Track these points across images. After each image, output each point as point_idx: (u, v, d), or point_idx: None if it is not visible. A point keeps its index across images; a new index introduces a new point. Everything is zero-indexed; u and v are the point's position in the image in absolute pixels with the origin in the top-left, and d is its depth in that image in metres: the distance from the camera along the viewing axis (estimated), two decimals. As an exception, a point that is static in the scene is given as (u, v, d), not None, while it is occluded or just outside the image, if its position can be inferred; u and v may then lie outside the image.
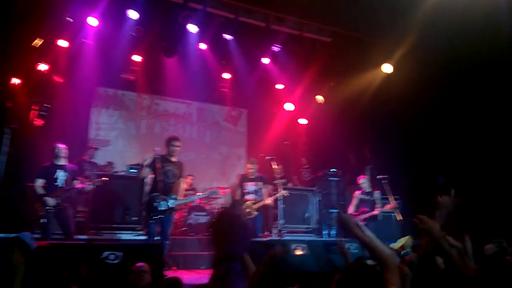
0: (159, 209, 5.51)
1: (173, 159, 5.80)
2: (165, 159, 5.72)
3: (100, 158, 8.82)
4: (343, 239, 7.21)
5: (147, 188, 5.91)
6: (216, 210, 8.67)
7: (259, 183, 6.87)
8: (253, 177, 6.89)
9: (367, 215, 7.18)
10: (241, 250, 2.10)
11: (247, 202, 6.68)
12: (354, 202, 7.39)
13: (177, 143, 5.81)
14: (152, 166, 5.68)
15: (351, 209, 7.31)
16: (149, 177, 5.73)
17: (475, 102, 7.49)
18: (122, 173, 7.84)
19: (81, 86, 8.83)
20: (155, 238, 5.56)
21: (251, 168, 6.87)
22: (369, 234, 3.39)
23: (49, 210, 5.48)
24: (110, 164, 8.69)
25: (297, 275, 4.44)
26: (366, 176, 7.58)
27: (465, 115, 7.77)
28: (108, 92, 10.10)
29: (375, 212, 7.17)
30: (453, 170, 7.58)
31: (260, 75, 10.13)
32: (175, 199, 5.64)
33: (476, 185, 7.38)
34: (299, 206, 8.33)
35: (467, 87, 7.55)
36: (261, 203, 6.70)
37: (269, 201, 6.81)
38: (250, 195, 6.77)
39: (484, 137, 7.43)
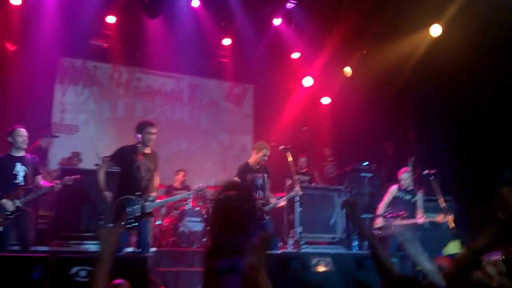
0: (133, 215, 5.45)
1: (147, 150, 5.79)
2: (136, 150, 5.67)
3: (66, 148, 8.85)
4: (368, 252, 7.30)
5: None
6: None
7: (265, 175, 6.64)
8: (258, 166, 6.66)
9: (408, 221, 7.13)
10: (243, 241, 2.09)
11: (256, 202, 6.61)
12: (388, 198, 7.30)
13: (153, 130, 5.79)
14: (118, 159, 5.69)
15: (381, 208, 7.24)
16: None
17: None
18: (95, 168, 7.83)
19: (40, 55, 8.82)
20: (129, 250, 5.60)
21: (266, 155, 6.60)
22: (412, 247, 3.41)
23: (7, 216, 5.48)
24: (76, 155, 8.69)
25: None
26: (409, 169, 7.53)
27: None
28: (74, 64, 10.11)
29: (420, 221, 7.12)
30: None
31: (270, 41, 10.08)
32: (152, 201, 5.66)
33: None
34: (321, 210, 8.30)
35: None
36: (273, 205, 6.56)
37: (283, 203, 6.75)
38: (256, 191, 6.54)
39: None
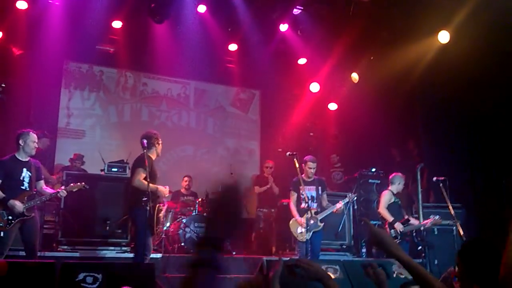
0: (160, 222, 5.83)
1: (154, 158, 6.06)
2: (150, 159, 5.92)
3: (72, 153, 8.84)
4: (376, 259, 7.28)
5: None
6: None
7: (318, 187, 7.14)
8: (311, 179, 7.14)
9: (410, 225, 7.12)
10: (226, 235, 2.09)
11: (309, 212, 6.85)
12: (386, 203, 7.35)
13: (161, 141, 6.14)
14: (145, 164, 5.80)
15: (387, 214, 7.26)
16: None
17: None
18: (102, 173, 7.85)
19: (46, 60, 8.86)
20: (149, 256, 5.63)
21: (312, 168, 7.12)
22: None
23: (9, 221, 5.45)
24: (78, 157, 8.68)
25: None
26: (399, 174, 7.56)
27: None
28: (81, 69, 10.13)
29: (427, 222, 7.12)
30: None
31: (276, 47, 10.05)
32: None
33: None
34: (329, 217, 8.25)
35: None
36: (327, 212, 7.02)
37: (340, 206, 7.09)
38: (308, 202, 6.94)
39: None
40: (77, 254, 6.64)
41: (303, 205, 6.95)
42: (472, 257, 2.53)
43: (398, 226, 7.08)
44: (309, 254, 6.79)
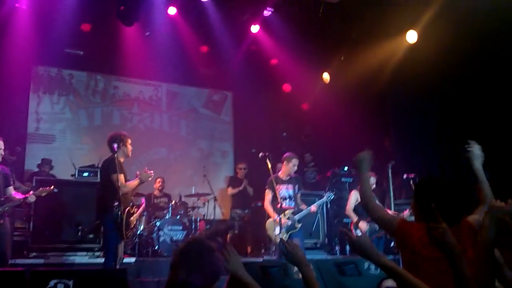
0: (131, 226, 5.58)
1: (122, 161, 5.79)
2: (119, 161, 5.65)
3: (40, 158, 8.71)
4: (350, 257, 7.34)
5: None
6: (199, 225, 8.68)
7: (295, 185, 6.97)
8: (287, 178, 6.97)
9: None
10: (201, 283, 2.34)
11: (287, 211, 6.73)
12: (353, 202, 7.33)
13: (130, 141, 5.85)
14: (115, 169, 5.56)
15: (352, 213, 7.28)
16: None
17: None
18: (72, 178, 7.76)
19: (14, 64, 8.68)
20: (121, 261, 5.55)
21: (296, 165, 6.95)
22: None
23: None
24: (46, 162, 8.55)
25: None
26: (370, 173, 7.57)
27: None
28: (50, 73, 10.01)
29: (404, 214, 7.18)
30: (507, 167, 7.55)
31: (248, 48, 10.08)
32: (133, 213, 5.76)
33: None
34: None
35: None
36: (304, 212, 6.82)
37: (314, 208, 6.90)
38: (285, 201, 6.83)
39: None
40: (48, 261, 6.54)
41: (281, 205, 6.72)
42: (425, 195, 2.69)
43: (362, 225, 7.07)
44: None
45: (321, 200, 7.05)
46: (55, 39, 8.75)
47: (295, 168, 6.94)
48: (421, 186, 2.83)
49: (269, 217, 6.81)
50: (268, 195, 6.89)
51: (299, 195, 7.07)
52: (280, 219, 6.56)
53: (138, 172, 5.70)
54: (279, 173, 7.02)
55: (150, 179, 5.76)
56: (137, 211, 5.95)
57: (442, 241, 2.09)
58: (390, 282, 3.92)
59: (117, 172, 5.45)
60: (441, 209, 2.43)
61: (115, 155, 5.52)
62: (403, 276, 2.15)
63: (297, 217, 6.74)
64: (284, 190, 6.88)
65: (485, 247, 2.30)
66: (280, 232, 6.54)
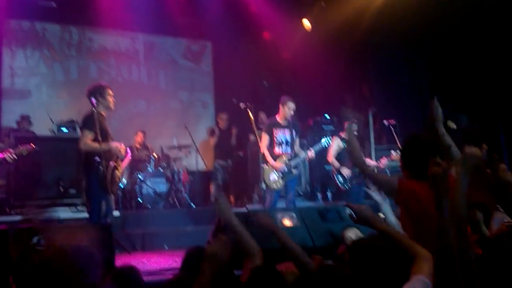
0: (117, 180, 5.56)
1: (104, 114, 5.62)
2: (101, 115, 5.51)
3: (18, 114, 8.54)
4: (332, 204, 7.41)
5: None
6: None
7: (293, 130, 6.77)
8: (285, 122, 6.76)
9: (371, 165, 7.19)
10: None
11: (282, 158, 6.60)
12: (334, 149, 7.16)
13: (112, 92, 5.63)
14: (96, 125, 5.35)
15: (333, 160, 7.18)
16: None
17: None
18: (51, 134, 7.65)
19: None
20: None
21: (292, 108, 6.68)
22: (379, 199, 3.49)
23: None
24: (25, 118, 8.39)
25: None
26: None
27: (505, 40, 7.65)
28: (22, 26, 9.67)
29: (381, 162, 7.23)
30: (487, 115, 7.61)
31: (226, -5, 9.84)
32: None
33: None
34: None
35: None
36: (300, 158, 6.74)
37: (311, 154, 6.75)
38: (282, 146, 6.68)
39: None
40: (30, 217, 6.53)
41: (277, 149, 6.64)
42: (409, 150, 2.93)
43: (345, 171, 7.04)
44: (276, 202, 6.59)
45: (317, 145, 6.87)
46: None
47: (291, 112, 6.67)
48: (409, 146, 2.97)
49: (264, 161, 6.60)
50: (265, 139, 6.68)
51: (297, 140, 6.88)
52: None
53: (122, 145, 5.61)
54: (277, 116, 6.79)
55: (121, 152, 5.59)
56: (121, 164, 5.82)
57: (440, 182, 2.11)
58: (352, 232, 4.02)
59: (87, 128, 5.32)
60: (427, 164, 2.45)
61: (94, 110, 5.39)
62: (405, 244, 2.12)
63: (293, 162, 6.61)
64: (281, 135, 6.69)
65: (460, 194, 2.33)
66: (275, 179, 6.48)
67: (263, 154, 6.62)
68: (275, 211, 5.38)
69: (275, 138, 6.64)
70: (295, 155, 6.69)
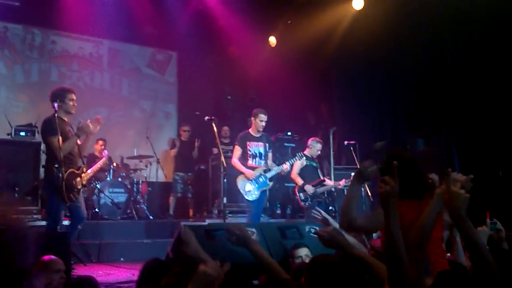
0: (77, 187, 5.33)
1: (66, 119, 5.54)
2: (61, 120, 5.38)
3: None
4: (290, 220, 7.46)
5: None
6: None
7: (266, 143, 6.82)
8: (258, 135, 6.81)
9: (324, 186, 7.34)
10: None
11: (258, 169, 6.62)
12: (297, 167, 7.26)
13: (75, 97, 5.53)
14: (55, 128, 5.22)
15: (297, 177, 7.26)
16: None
17: (476, 44, 7.60)
18: (8, 137, 7.43)
19: None
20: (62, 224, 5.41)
21: (264, 120, 6.74)
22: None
23: None
24: None
25: (245, 268, 4.51)
26: (316, 138, 7.69)
27: (460, 62, 7.91)
28: (-17, 25, 9.40)
29: (340, 184, 7.39)
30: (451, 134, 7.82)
31: (195, 7, 9.88)
32: (85, 172, 5.52)
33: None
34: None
35: (465, 25, 7.65)
36: (275, 171, 6.72)
37: (286, 166, 6.80)
38: (255, 159, 6.70)
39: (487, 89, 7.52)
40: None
41: (251, 162, 6.67)
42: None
43: (308, 188, 7.15)
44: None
45: (292, 159, 7.02)
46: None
47: (263, 124, 6.73)
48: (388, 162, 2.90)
49: (239, 173, 6.63)
50: (237, 151, 6.73)
51: (270, 154, 6.91)
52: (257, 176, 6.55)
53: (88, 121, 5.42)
54: (250, 130, 6.85)
55: (92, 129, 5.43)
56: (86, 170, 5.63)
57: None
58: (302, 251, 4.08)
59: (54, 134, 5.17)
60: (409, 182, 2.51)
61: (55, 114, 5.27)
62: (372, 265, 2.20)
63: (268, 174, 6.67)
64: (254, 148, 6.74)
65: (428, 218, 2.41)
66: (250, 190, 6.50)
67: (234, 165, 6.67)
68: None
69: (248, 151, 6.68)
70: (269, 168, 6.73)
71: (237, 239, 2.76)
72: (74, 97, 5.52)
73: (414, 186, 2.65)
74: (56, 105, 5.28)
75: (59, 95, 5.42)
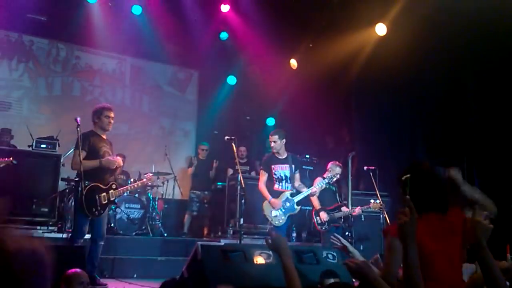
0: (101, 202, 5.40)
1: (104, 136, 5.76)
2: (96, 135, 5.61)
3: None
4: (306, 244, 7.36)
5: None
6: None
7: (292, 165, 6.63)
8: (283, 157, 6.64)
9: (342, 212, 7.24)
10: None
11: (284, 194, 6.49)
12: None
13: (112, 114, 5.75)
14: (85, 144, 5.46)
15: (316, 201, 7.06)
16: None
17: (496, 72, 7.56)
18: (30, 149, 7.51)
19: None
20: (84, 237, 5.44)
21: (278, 142, 6.58)
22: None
23: None
24: (6, 132, 8.26)
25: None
26: (336, 162, 7.53)
27: (481, 90, 7.88)
28: (10, 37, 9.63)
29: (355, 211, 7.29)
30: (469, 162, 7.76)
31: (217, 28, 9.97)
32: (115, 188, 5.61)
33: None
34: (262, 201, 8.35)
35: (485, 53, 7.64)
36: (304, 194, 6.54)
37: (315, 190, 6.64)
38: (282, 183, 6.58)
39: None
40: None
41: (277, 186, 6.52)
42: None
43: (323, 215, 7.01)
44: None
45: (322, 181, 6.79)
46: (17, 2, 8.44)
47: (277, 145, 6.60)
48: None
49: (265, 198, 6.51)
50: (263, 176, 6.61)
51: (297, 175, 6.71)
52: (283, 201, 6.42)
53: (112, 158, 5.62)
54: (274, 152, 6.68)
55: (112, 166, 5.62)
56: (116, 187, 5.66)
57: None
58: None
59: (77, 148, 5.40)
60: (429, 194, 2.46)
61: (78, 129, 5.43)
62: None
63: (296, 198, 6.49)
64: (280, 170, 6.60)
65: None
66: (277, 215, 6.37)
67: (261, 191, 6.53)
68: (252, 247, 5.35)
69: (273, 175, 6.55)
70: (297, 191, 6.57)
71: (273, 242, 2.66)
72: (111, 114, 5.73)
73: (435, 198, 2.58)
74: (79, 119, 5.43)
75: (97, 112, 5.69)
